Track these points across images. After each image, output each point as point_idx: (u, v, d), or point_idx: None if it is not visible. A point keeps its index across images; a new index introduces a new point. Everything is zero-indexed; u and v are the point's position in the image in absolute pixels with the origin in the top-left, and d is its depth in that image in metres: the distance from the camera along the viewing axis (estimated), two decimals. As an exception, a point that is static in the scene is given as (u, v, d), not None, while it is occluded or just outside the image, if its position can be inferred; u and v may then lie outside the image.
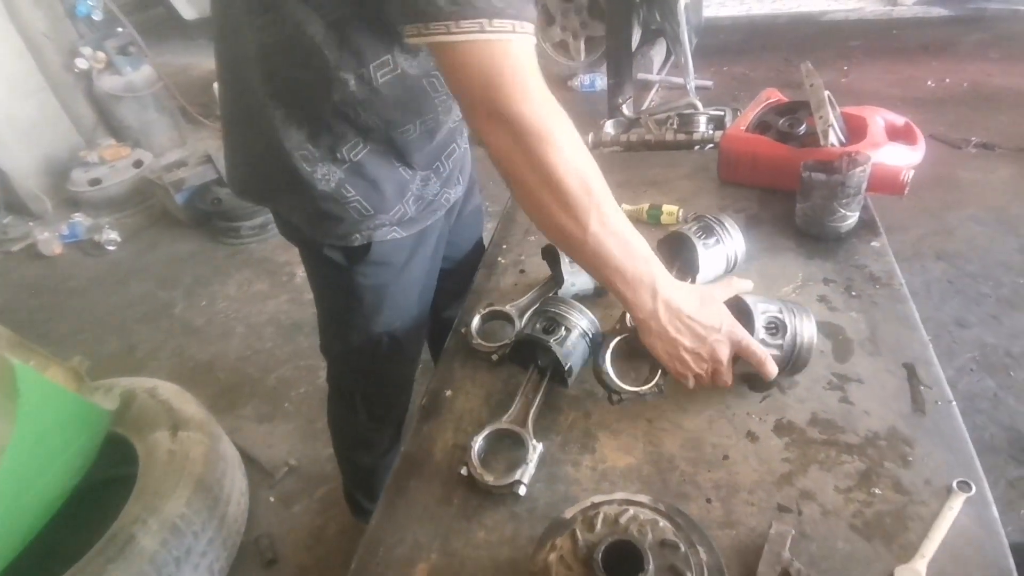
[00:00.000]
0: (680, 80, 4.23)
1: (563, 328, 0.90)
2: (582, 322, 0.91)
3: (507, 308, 1.07)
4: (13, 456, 1.14)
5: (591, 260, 0.81)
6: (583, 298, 1.08)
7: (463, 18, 0.68)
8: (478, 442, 0.82)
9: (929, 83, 3.87)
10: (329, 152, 0.96)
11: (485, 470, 0.80)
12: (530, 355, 0.93)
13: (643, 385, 0.86)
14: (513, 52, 0.71)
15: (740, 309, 0.87)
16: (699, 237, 1.04)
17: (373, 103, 0.92)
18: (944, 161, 3.05)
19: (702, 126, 1.63)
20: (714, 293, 0.87)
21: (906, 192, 1.14)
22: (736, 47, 4.57)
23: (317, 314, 1.30)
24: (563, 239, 0.81)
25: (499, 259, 1.28)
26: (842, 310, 1.00)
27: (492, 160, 0.78)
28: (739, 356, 0.84)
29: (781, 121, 1.31)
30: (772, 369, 0.83)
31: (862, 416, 0.82)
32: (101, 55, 3.76)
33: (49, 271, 3.29)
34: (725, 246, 1.05)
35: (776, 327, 0.85)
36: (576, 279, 1.07)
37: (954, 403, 0.82)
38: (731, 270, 1.08)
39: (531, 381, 0.91)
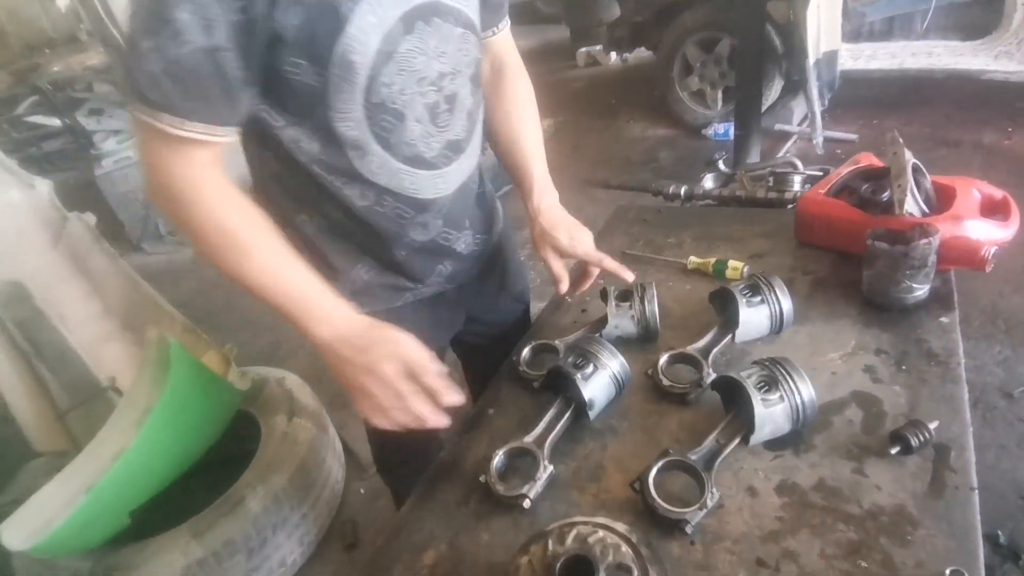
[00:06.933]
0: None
1: (592, 365, 0.98)
2: (612, 364, 0.99)
3: (555, 342, 1.18)
4: (158, 415, 1.45)
5: (258, 294, 0.89)
6: (626, 340, 1.15)
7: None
8: (498, 456, 0.93)
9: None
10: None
11: (500, 481, 0.91)
12: (562, 386, 1.03)
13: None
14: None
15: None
16: (744, 294, 1.08)
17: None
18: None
19: (796, 186, 1.62)
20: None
21: (988, 268, 1.08)
22: (890, 100, 4.25)
23: None
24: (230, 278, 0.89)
25: (566, 297, 1.38)
26: (886, 383, 0.97)
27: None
28: (416, 374, 0.86)
29: (865, 187, 1.28)
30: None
31: (871, 489, 0.81)
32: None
33: (228, 272, 3.92)
34: (769, 306, 1.07)
35: (767, 383, 0.87)
36: (619, 322, 1.15)
37: (976, 491, 0.78)
38: (777, 331, 1.09)
39: (556, 408, 1.01)
